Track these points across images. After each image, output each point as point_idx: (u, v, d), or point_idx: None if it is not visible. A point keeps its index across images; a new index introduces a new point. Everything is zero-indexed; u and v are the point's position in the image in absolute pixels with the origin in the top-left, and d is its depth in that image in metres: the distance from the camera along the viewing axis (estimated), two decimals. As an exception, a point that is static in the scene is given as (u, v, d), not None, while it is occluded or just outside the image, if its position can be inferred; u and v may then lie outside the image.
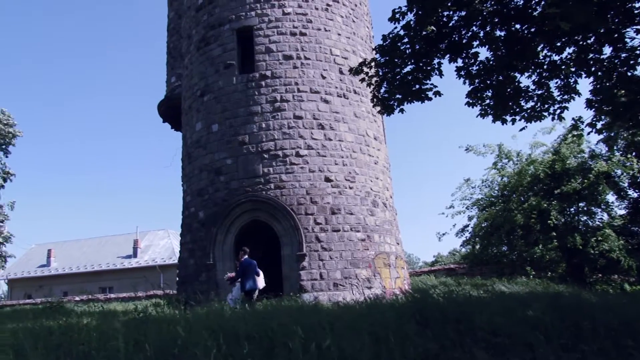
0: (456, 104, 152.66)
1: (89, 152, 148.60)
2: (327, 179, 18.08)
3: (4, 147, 39.41)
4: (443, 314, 6.07)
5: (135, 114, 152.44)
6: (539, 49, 10.45)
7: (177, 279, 20.66)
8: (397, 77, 11.16)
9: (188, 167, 20.19)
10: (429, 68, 11.05)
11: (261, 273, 14.95)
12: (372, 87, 11.98)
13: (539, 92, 10.96)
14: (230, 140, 18.52)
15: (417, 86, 11.14)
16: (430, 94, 11.30)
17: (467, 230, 27.97)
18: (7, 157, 39.78)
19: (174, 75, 25.37)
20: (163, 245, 46.55)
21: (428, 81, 11.22)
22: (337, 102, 19.23)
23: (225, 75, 19.38)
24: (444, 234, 35.19)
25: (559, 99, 10.96)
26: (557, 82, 10.82)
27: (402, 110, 11.73)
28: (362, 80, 12.03)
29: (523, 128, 11.61)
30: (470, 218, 27.82)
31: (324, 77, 19.28)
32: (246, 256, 14.74)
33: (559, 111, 11.09)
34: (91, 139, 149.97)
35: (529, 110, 11.18)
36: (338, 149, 18.64)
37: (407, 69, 11.10)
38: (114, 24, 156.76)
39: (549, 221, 22.77)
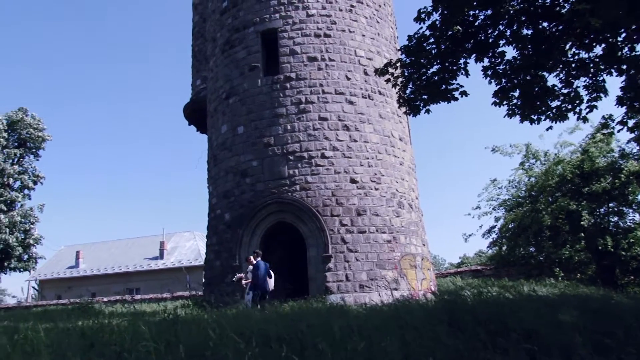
0: (481, 104, 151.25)
1: (116, 155, 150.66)
2: (353, 181, 18.06)
3: (34, 150, 40.08)
4: (474, 315, 5.99)
5: (161, 117, 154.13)
6: (567, 47, 10.28)
7: (204, 280, 20.80)
8: (423, 78, 11.08)
9: (214, 169, 20.32)
10: (455, 68, 10.94)
11: (273, 275, 15.25)
12: (397, 87, 11.91)
13: (566, 90, 10.77)
14: (255, 142, 18.61)
15: (443, 86, 11.03)
16: (456, 94, 11.19)
17: (494, 232, 27.62)
18: (37, 160, 40.47)
19: (199, 78, 25.59)
20: (189, 247, 46.86)
21: (454, 81, 11.10)
22: (362, 103, 19.20)
23: (250, 78, 19.48)
24: (470, 235, 34.52)
25: (586, 97, 10.76)
26: (585, 81, 10.63)
27: (428, 111, 11.65)
28: (388, 81, 11.97)
29: (549, 128, 11.42)
30: (497, 219, 27.49)
31: (348, 79, 19.27)
32: (259, 258, 15.06)
33: (587, 110, 10.88)
34: (118, 142, 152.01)
35: (554, 110, 10.99)
36: (363, 150, 18.59)
37: (433, 69, 11.00)
38: (140, 28, 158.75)
39: (581, 222, 22.35)
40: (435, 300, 8.12)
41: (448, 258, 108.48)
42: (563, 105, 10.76)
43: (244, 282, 15.49)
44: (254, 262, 15.00)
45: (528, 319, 5.94)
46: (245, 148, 18.83)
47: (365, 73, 19.70)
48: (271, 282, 15.10)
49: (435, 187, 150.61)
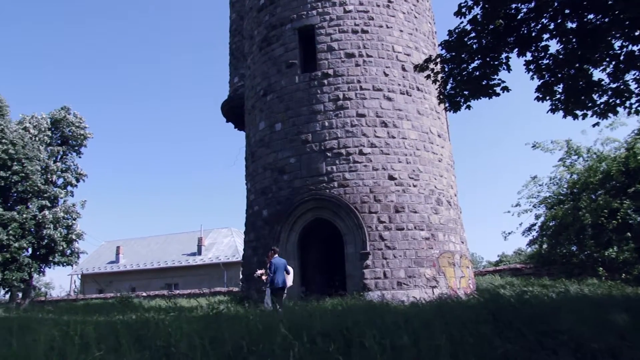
0: (521, 99, 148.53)
1: (155, 151, 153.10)
2: (391, 177, 17.95)
3: (76, 148, 40.92)
4: (519, 315, 5.86)
5: (199, 114, 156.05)
6: (614, 40, 9.97)
7: (241, 276, 20.95)
8: (464, 73, 10.90)
9: (252, 166, 20.43)
10: (496, 63, 10.74)
11: (291, 271, 15.32)
12: (437, 83, 11.76)
13: (614, 85, 10.45)
14: (293, 139, 18.64)
15: (485, 82, 10.84)
16: (498, 89, 10.96)
17: (534, 229, 27.09)
18: (79, 157, 41.29)
19: (236, 75, 25.73)
20: (226, 243, 47.30)
21: (496, 76, 10.90)
22: (400, 100, 19.05)
23: (287, 75, 19.52)
24: (510, 233, 34.17)
25: (636, 91, 10.42)
26: (635, 74, 10.30)
27: (469, 107, 11.45)
28: (428, 77, 11.83)
29: (596, 124, 11.16)
30: (537, 217, 26.94)
31: (386, 75, 19.13)
32: (276, 255, 15.08)
33: (636, 105, 10.54)
34: (157, 139, 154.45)
35: (602, 105, 10.68)
36: (401, 146, 18.46)
37: (474, 64, 10.82)
38: (179, 26, 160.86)
39: (630, 221, 21.72)
40: (477, 298, 7.97)
41: (486, 256, 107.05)
42: (611, 100, 10.44)
43: (264, 277, 15.67)
44: (272, 259, 15.04)
45: (575, 320, 5.78)
46: (283, 145, 18.89)
47: (404, 69, 19.54)
48: (289, 278, 15.17)
49: (473, 184, 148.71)
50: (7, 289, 36.18)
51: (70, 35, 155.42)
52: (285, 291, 14.93)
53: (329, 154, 18.00)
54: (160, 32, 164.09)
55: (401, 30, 20.17)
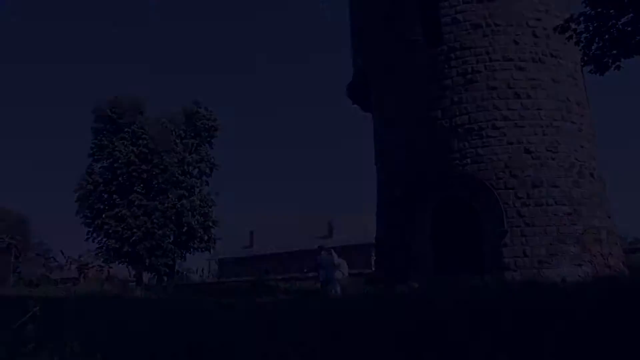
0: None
1: (283, 135, 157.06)
2: (527, 151, 17.05)
3: (208, 140, 42.94)
4: None
5: (327, 97, 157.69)
6: None
7: (374, 258, 20.95)
8: (612, 30, 10.03)
9: (381, 147, 20.27)
10: (651, 15, 9.76)
11: (344, 264, 17.38)
12: (580, 45, 10.92)
13: None
14: (422, 117, 18.22)
15: (638, 38, 9.89)
16: (653, 44, 9.98)
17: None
18: (211, 148, 43.28)
19: (359, 56, 25.55)
20: (357, 225, 47.66)
21: (650, 30, 9.91)
22: (532, 68, 17.99)
23: (412, 51, 19.08)
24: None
25: None
26: None
27: (618, 67, 10.55)
28: (570, 37, 11.02)
29: None
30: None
31: (516, 43, 18.12)
32: (323, 252, 16.99)
33: None
34: (283, 123, 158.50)
35: None
36: (537, 118, 17.46)
37: (624, 19, 9.91)
38: (300, 9, 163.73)
39: None
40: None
41: (632, 232, 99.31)
42: None
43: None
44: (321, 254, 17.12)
45: None
46: (411, 123, 18.52)
47: (534, 35, 18.39)
48: (344, 269, 17.22)
49: (618, 154, 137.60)
50: (154, 274, 38.94)
51: (192, 35, 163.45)
52: (336, 283, 16.61)
53: (460, 130, 17.41)
54: (283, 16, 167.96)
55: (530, -6, 18.96)
